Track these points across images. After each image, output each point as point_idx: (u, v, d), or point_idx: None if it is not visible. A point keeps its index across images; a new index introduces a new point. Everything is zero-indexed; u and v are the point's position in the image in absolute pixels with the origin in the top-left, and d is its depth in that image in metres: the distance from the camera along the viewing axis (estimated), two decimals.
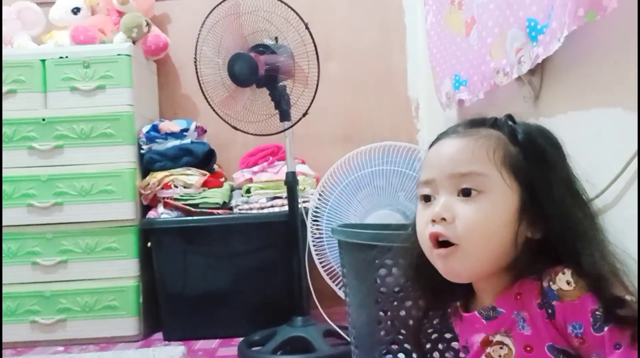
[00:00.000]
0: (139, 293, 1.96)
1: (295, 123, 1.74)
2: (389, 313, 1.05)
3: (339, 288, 1.79)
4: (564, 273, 0.61)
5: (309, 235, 1.81)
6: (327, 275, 1.81)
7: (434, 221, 0.66)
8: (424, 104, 2.34)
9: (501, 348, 0.66)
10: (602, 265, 0.61)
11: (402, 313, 1.04)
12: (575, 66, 1.09)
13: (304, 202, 1.88)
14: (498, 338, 0.66)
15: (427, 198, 0.69)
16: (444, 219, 0.65)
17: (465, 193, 0.65)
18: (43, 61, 1.99)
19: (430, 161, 0.71)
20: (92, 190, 1.95)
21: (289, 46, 1.71)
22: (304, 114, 1.73)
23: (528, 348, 0.63)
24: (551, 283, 0.61)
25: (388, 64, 2.41)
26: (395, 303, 1.04)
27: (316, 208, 1.82)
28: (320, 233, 1.80)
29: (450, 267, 0.66)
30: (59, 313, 1.93)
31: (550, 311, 0.61)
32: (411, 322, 0.83)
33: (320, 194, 1.84)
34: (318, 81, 1.69)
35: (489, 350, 0.67)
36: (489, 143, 0.67)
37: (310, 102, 1.71)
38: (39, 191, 1.95)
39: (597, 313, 0.59)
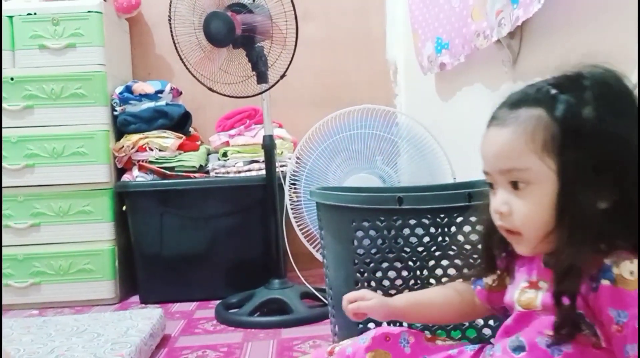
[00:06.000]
0: (115, 257, 1.94)
1: (272, 85, 1.72)
2: (365, 274, 1.06)
3: (317, 251, 1.80)
4: (632, 262, 0.59)
5: (287, 198, 1.81)
6: (305, 237, 1.82)
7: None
8: (402, 68, 2.32)
9: (534, 292, 0.68)
10: None
11: (379, 274, 1.05)
12: (554, 29, 1.09)
13: (281, 166, 1.88)
14: (541, 283, 0.68)
15: (491, 186, 0.70)
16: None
17: (515, 185, 0.65)
18: (10, 17, 1.91)
19: (483, 153, 0.70)
20: (64, 152, 1.91)
21: (267, 6, 1.67)
22: (282, 76, 1.70)
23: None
24: (614, 265, 0.59)
25: (366, 26, 2.38)
26: (372, 264, 1.05)
27: (294, 171, 1.81)
28: (298, 197, 1.80)
29: (518, 249, 0.69)
30: (33, 277, 1.91)
31: (594, 286, 0.60)
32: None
33: (298, 158, 1.83)
34: (296, 42, 1.66)
35: (528, 289, 0.69)
36: (527, 129, 0.63)
37: (288, 64, 1.68)
38: (9, 152, 1.90)
39: None
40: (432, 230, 1.01)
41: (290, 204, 1.80)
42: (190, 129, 2.14)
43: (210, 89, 1.75)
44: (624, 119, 0.62)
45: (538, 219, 0.64)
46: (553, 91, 0.64)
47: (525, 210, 0.64)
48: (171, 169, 1.98)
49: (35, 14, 1.92)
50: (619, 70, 0.64)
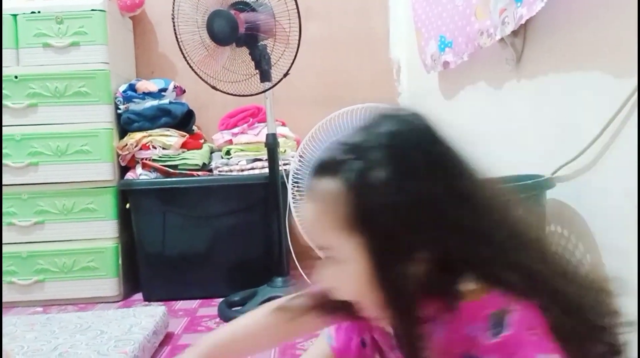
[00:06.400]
0: (118, 254, 1.95)
1: (276, 84, 1.72)
2: None
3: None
4: (470, 276, 0.56)
5: (290, 196, 1.81)
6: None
7: None
8: (405, 67, 2.32)
9: None
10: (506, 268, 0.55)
11: None
12: (558, 27, 1.09)
13: (284, 164, 1.88)
14: None
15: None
16: None
17: (335, 260, 0.59)
18: (14, 15, 1.92)
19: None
20: (68, 150, 1.91)
21: (270, 4, 1.67)
22: (285, 75, 1.70)
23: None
24: (459, 285, 0.56)
25: (369, 25, 2.38)
26: None
27: (297, 169, 1.81)
28: (300, 195, 1.80)
29: (365, 317, 0.64)
30: (37, 274, 1.92)
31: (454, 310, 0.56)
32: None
33: (301, 156, 1.83)
34: (299, 40, 1.66)
35: None
36: (325, 205, 0.57)
37: (291, 62, 1.69)
38: (13, 150, 1.90)
39: (495, 315, 0.53)
40: None
41: (293, 202, 1.80)
42: (194, 127, 2.15)
43: (213, 87, 1.76)
44: (429, 171, 0.56)
45: (363, 296, 0.58)
46: (345, 156, 0.57)
47: (346, 286, 0.59)
48: (174, 167, 1.99)
49: (39, 12, 1.92)
50: (427, 111, 0.59)
